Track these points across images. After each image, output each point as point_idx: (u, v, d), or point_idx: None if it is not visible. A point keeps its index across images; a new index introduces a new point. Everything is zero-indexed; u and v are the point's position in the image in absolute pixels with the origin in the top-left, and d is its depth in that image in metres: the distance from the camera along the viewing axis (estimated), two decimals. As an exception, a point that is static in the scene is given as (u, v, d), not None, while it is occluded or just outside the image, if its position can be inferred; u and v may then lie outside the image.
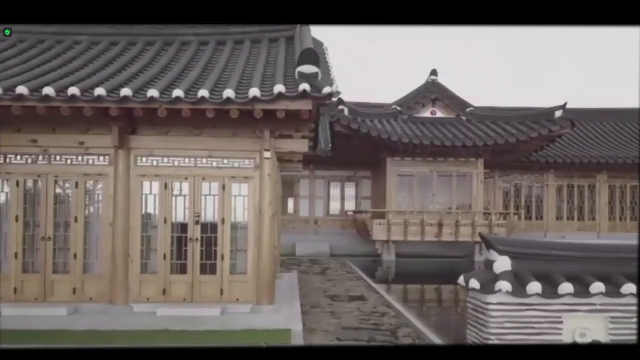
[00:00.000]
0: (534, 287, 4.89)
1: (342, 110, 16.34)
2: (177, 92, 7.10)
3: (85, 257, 8.29)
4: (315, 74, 7.28)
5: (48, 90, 7.00)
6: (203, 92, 7.12)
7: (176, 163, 8.37)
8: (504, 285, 4.91)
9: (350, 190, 22.25)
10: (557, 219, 21.74)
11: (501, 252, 5.16)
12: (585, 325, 5.01)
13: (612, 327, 5.02)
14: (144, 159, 8.33)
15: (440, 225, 17.31)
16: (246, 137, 8.31)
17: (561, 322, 5.00)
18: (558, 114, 16.81)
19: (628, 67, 48.44)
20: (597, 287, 4.92)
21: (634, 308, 4.99)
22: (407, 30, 49.46)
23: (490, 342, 4.98)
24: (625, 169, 20.71)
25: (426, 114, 18.99)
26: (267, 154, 8.20)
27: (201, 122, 8.03)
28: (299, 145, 8.37)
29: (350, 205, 22.01)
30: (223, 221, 8.38)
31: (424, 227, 17.32)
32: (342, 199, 22.22)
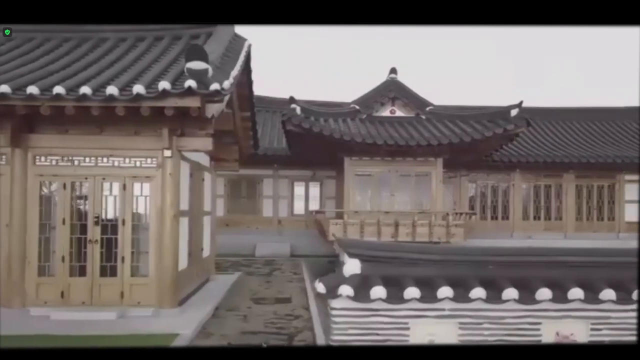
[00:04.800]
0: (378, 292, 4.66)
1: (294, 109, 16.06)
2: (58, 89, 6.88)
3: (-20, 260, 8.07)
4: (204, 71, 7.05)
5: None
6: (85, 89, 6.90)
7: (76, 163, 8.14)
8: (345, 289, 4.67)
9: (314, 190, 21.96)
10: (524, 219, 21.50)
11: (351, 255, 4.92)
12: (434, 331, 4.78)
13: (462, 333, 4.79)
14: (43, 158, 8.10)
15: (397, 225, 17.03)
16: (148, 135, 8.09)
17: (408, 329, 4.77)
18: (514, 112, 16.53)
19: (628, 67, 48.10)
20: (445, 292, 4.69)
21: (484, 314, 4.76)
22: (405, 30, 49.07)
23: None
24: (592, 168, 20.49)
25: (385, 113, 18.70)
26: (167, 153, 7.98)
27: (102, 121, 7.84)
28: (202, 143, 8.13)
29: (315, 205, 21.68)
30: (124, 222, 8.15)
31: (380, 228, 17.04)
32: (307, 199, 21.92)
